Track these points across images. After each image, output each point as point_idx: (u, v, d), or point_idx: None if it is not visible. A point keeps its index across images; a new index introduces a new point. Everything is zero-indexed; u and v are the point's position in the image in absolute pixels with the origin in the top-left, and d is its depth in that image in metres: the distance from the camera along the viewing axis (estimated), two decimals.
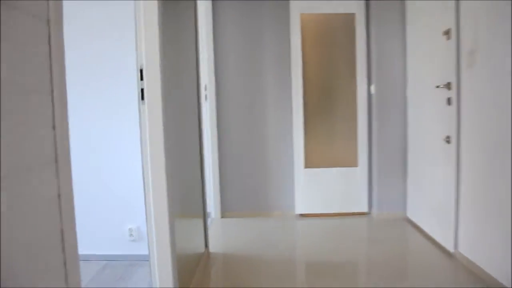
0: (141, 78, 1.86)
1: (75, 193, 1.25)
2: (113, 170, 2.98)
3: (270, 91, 3.90)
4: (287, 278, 2.77)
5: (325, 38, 3.91)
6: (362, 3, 3.84)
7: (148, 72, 1.86)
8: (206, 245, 3.15)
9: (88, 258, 3.08)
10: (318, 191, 3.97)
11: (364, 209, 3.97)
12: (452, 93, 2.82)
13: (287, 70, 3.88)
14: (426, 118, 3.34)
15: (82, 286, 2.68)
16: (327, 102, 3.94)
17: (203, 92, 3.96)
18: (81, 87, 2.93)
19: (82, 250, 3.05)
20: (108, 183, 3.00)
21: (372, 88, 3.79)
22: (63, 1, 1.13)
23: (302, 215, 4.00)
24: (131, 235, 3.05)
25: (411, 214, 3.72)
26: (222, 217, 4.05)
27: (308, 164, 3.94)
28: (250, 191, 4.02)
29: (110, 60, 2.92)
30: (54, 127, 1.07)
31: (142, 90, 1.87)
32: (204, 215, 3.16)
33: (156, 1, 1.85)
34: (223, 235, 3.70)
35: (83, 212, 3.18)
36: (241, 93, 3.93)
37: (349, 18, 3.86)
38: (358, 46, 3.85)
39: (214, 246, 3.30)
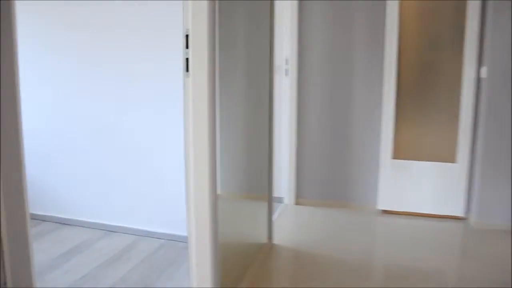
0: (187, 46, 1.60)
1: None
2: (171, 150, 2.82)
3: (358, 70, 3.44)
4: (363, 286, 2.40)
5: (427, 9, 3.32)
6: None
7: (195, 38, 1.59)
8: (270, 236, 2.88)
9: (148, 235, 2.98)
10: (406, 186, 3.47)
11: (460, 213, 3.39)
12: None
13: (379, 46, 3.38)
14: None
15: (135, 265, 2.59)
16: (424, 85, 3.37)
17: (282, 66, 3.64)
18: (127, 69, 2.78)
19: (144, 226, 2.96)
20: (168, 161, 2.85)
21: (483, 70, 3.15)
22: None
23: (384, 211, 3.54)
24: None
25: None
26: (296, 203, 3.74)
27: (397, 154, 3.45)
28: (329, 178, 3.65)
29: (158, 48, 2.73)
30: None
31: (187, 60, 1.61)
32: (270, 201, 2.88)
33: None
34: (293, 224, 3.40)
35: (145, 189, 3.12)
36: (326, 70, 3.52)
37: None
38: (468, 19, 3.21)
39: (281, 237, 3.00)
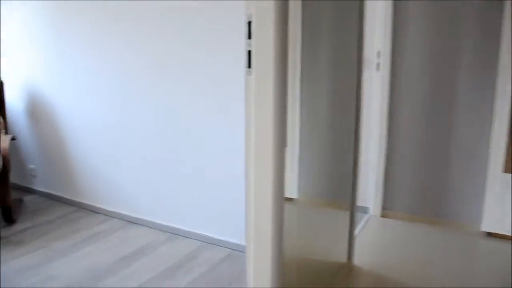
0: (249, 36, 1.28)
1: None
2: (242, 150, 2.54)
3: (463, 68, 2.90)
4: None
5: None
6: None
7: (259, 26, 1.27)
8: (350, 254, 2.50)
9: (214, 242, 2.74)
10: None
11: None
12: None
13: (492, 40, 2.80)
14: None
15: (196, 276, 2.36)
16: None
17: (372, 60, 3.20)
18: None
19: (210, 232, 2.73)
20: (240, 162, 2.57)
21: None
22: None
23: (489, 234, 2.97)
24: None
25: None
26: (382, 215, 3.30)
27: (509, 168, 2.87)
28: (422, 190, 3.15)
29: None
30: None
31: (249, 53, 1.30)
32: (352, 211, 2.49)
33: None
34: (378, 241, 2.96)
35: (213, 192, 2.89)
36: (424, 65, 3.02)
37: None
38: None
39: (363, 256, 2.60)
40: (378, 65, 3.18)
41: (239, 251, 2.65)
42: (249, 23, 1.27)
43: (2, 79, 3.40)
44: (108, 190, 3.20)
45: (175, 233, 2.91)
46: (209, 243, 2.76)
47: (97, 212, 3.28)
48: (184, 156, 2.77)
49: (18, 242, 2.79)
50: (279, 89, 1.30)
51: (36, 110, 3.51)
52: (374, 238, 2.99)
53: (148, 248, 2.70)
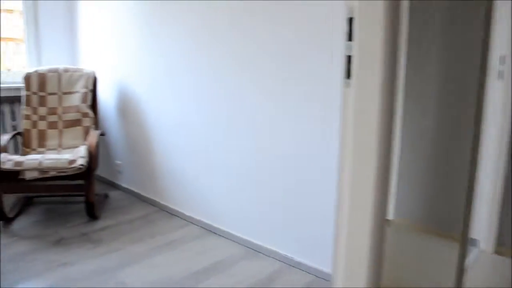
0: (349, 37, 0.98)
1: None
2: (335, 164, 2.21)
3: None
4: None
5: None
6: None
7: (364, 23, 0.96)
8: None
9: (296, 265, 2.46)
10: None
11: None
12: None
13: None
14: None
15: None
16: None
17: (494, 67, 2.69)
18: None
19: (293, 253, 2.46)
20: (331, 177, 2.26)
21: None
22: None
23: None
24: None
25: None
26: (495, 252, 2.79)
27: None
28: None
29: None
30: None
31: (348, 58, 0.99)
32: (463, 244, 2.07)
33: None
34: (490, 282, 2.48)
35: (300, 209, 2.60)
36: None
37: None
38: None
39: None
40: (500, 72, 2.67)
41: (323, 278, 2.35)
42: (350, 19, 0.97)
43: (96, 74, 3.42)
44: (188, 194, 3.06)
45: (254, 249, 2.67)
46: (291, 265, 2.49)
47: (176, 216, 3.16)
48: (270, 169, 2.52)
49: (97, 240, 2.74)
50: (386, 107, 0.98)
51: (125, 107, 3.49)
52: (486, 278, 2.51)
53: (225, 264, 2.50)
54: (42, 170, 2.80)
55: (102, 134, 3.42)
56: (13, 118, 3.64)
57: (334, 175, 2.20)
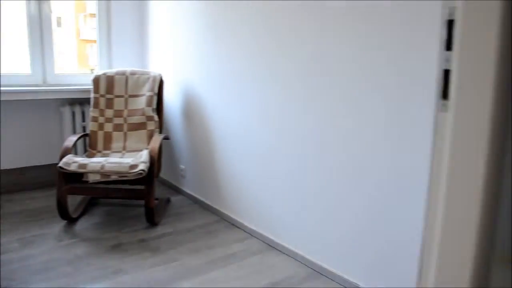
0: (447, 46, 0.74)
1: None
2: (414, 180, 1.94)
3: None
4: None
5: None
6: None
7: (470, 27, 0.73)
8: None
9: None
10: None
11: None
12: None
13: None
14: None
15: None
16: None
17: None
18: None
19: (358, 279, 2.22)
20: (408, 195, 1.99)
21: None
22: None
23: None
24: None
25: None
26: None
27: None
28: None
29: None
30: None
31: (446, 73, 0.76)
32: None
33: None
34: None
35: (371, 229, 2.35)
36: None
37: None
38: None
39: None
40: None
41: None
42: (450, 22, 0.75)
43: (162, 77, 3.37)
44: (250, 205, 2.91)
45: (318, 271, 2.45)
46: None
47: (237, 227, 3.02)
48: (343, 187, 2.30)
49: (154, 248, 2.66)
50: (497, 143, 0.74)
51: (190, 110, 3.41)
52: None
53: (284, 285, 2.31)
54: (104, 174, 2.77)
55: (166, 138, 3.37)
56: (83, 119, 3.70)
57: (422, 202, 1.93)
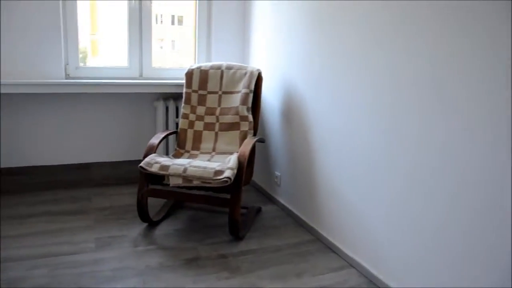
0: None
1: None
2: None
3: None
4: None
5: None
6: None
7: None
8: None
9: None
10: None
11: None
12: None
13: None
14: None
15: None
16: None
17: None
18: None
19: None
20: None
21: None
22: None
23: None
24: None
25: None
26: None
27: None
28: None
29: None
30: None
31: None
32: None
33: None
34: None
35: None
36: None
37: None
38: None
39: None
40: None
41: None
42: None
43: (261, 72, 3.02)
44: (353, 227, 2.42)
45: (371, 280, 1.91)
46: None
47: (333, 252, 2.54)
48: (473, 220, 1.73)
49: (234, 268, 2.31)
50: None
51: (290, 112, 3.01)
52: None
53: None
54: (186, 178, 2.50)
55: (261, 141, 3.01)
56: (177, 115, 3.50)
57: None
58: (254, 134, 2.98)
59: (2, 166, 3.27)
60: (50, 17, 3.12)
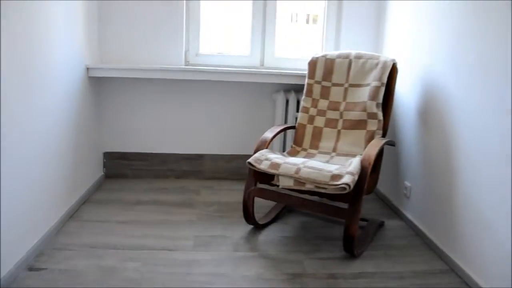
0: None
1: None
2: None
3: None
4: None
5: None
6: None
7: None
8: None
9: None
10: None
11: None
12: None
13: None
14: None
15: None
16: None
17: None
18: None
19: None
20: None
21: None
22: None
23: None
24: None
25: None
26: None
27: None
28: None
29: None
30: None
31: None
32: None
33: None
34: None
35: None
36: None
37: None
38: None
39: None
40: None
41: None
42: None
43: (395, 63, 2.55)
44: (503, 266, 1.85)
45: None
46: None
47: None
48: None
49: None
50: None
51: (429, 112, 2.49)
52: None
53: None
54: (298, 180, 2.16)
55: (390, 144, 2.55)
56: (298, 109, 3.19)
57: None
58: (383, 135, 2.53)
59: (118, 150, 3.30)
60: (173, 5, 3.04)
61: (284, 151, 3.19)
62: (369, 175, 2.16)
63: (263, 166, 2.23)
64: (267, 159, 2.26)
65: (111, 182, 3.22)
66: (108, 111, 3.22)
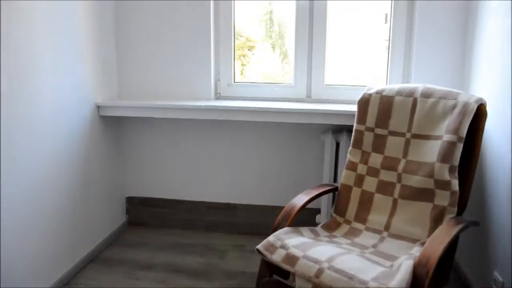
0: None
1: None
2: None
3: None
4: None
5: None
6: None
7: None
8: None
9: None
10: None
11: None
12: None
13: None
14: None
15: None
16: None
17: None
18: None
19: None
20: None
21: None
22: None
23: None
24: None
25: None
26: None
27: None
28: None
29: None
30: None
31: None
32: None
33: None
34: None
35: None
36: None
37: None
38: None
39: None
40: None
41: None
42: None
43: (483, 105, 1.76)
44: None
45: None
46: None
47: None
48: None
49: None
50: None
51: None
52: None
53: None
54: (318, 287, 1.51)
55: (473, 224, 1.77)
56: None
57: None
58: (460, 213, 1.76)
59: (142, 195, 2.87)
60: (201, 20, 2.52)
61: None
62: (430, 280, 1.44)
63: (276, 257, 1.61)
64: (283, 246, 1.63)
65: (132, 231, 2.81)
66: (129, 151, 2.81)
